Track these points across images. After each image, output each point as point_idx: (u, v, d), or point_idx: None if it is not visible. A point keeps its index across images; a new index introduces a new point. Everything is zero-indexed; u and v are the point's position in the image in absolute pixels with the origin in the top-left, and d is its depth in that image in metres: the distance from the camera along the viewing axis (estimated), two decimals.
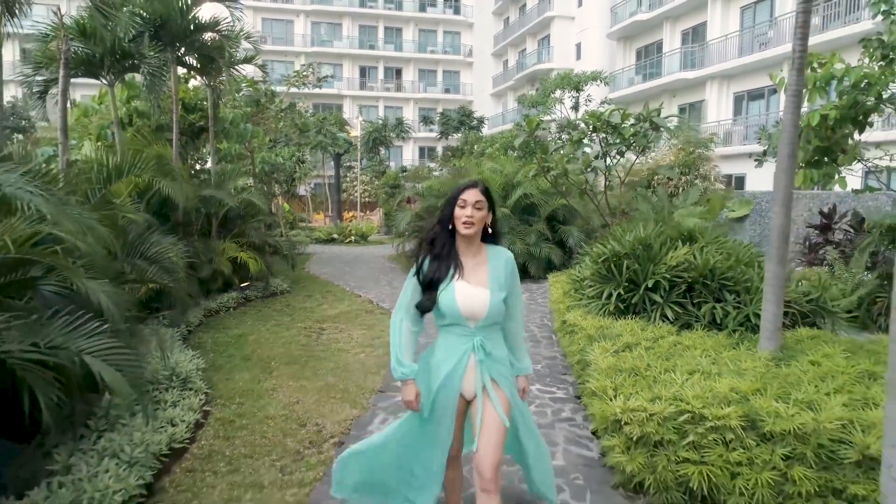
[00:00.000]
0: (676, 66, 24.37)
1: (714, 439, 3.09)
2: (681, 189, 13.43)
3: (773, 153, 9.65)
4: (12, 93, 33.92)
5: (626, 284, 5.14)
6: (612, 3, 29.39)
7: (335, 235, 20.76)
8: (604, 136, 6.97)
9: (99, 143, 9.05)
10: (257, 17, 41.25)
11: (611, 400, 3.38)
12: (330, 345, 6.67)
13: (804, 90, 6.90)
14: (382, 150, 30.51)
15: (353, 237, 20.57)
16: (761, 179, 17.98)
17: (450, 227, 2.45)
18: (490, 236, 2.52)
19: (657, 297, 4.95)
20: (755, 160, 10.25)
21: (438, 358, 2.49)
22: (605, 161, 7.15)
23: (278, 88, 16.66)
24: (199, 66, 9.02)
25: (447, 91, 44.74)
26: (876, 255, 7.46)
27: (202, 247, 8.00)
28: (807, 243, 8.80)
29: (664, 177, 12.49)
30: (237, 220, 9.26)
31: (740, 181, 20.62)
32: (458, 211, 2.40)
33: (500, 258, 2.50)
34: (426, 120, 37.28)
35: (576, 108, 17.73)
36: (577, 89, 17.45)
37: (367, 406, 4.72)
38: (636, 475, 3.23)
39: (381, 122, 31.21)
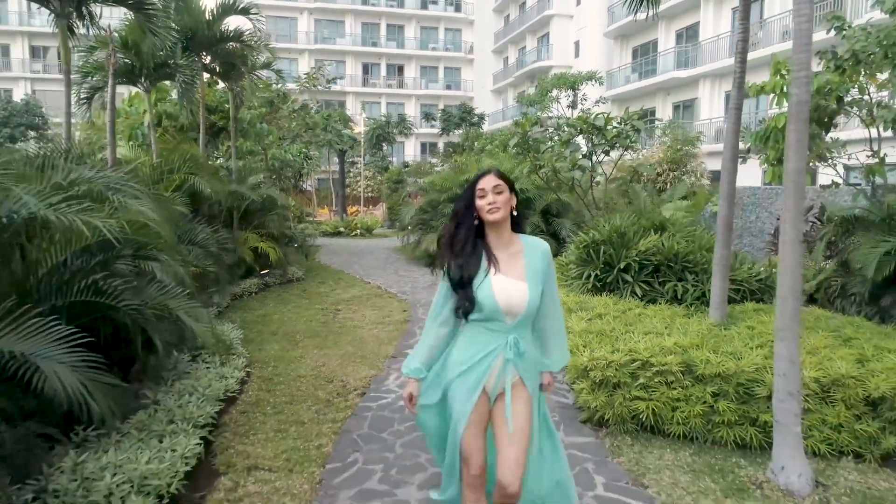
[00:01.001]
0: (671, 65, 25.14)
1: (659, 381, 3.96)
2: (669, 185, 14.27)
3: (754, 150, 10.48)
4: (24, 90, 34.72)
5: (603, 266, 6.01)
6: (609, 3, 30.09)
7: (341, 229, 21.63)
8: (589, 137, 7.81)
9: (131, 143, 9.89)
10: (261, 15, 41.97)
11: (581, 354, 4.25)
12: (346, 322, 7.55)
13: (774, 94, 7.79)
14: (385, 147, 31.32)
15: (358, 230, 21.43)
16: (750, 175, 18.79)
17: (475, 220, 2.30)
18: (519, 224, 2.38)
19: (628, 277, 5.82)
20: (740, 157, 11.07)
21: (463, 351, 2.32)
22: (591, 159, 7.99)
23: (289, 85, 17.50)
24: (222, 71, 9.86)
25: (448, 87, 45.44)
26: (833, 245, 8.29)
27: (227, 237, 8.86)
28: (776, 234, 9.64)
29: (644, 174, 13.32)
30: (257, 212, 10.11)
31: None
32: (479, 202, 2.27)
33: (537, 250, 2.34)
34: (428, 116, 38.05)
35: (572, 106, 18.55)
36: (573, 88, 18.26)
37: (383, 367, 5.60)
38: (599, 410, 4.10)
39: (383, 119, 32.00)
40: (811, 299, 8.58)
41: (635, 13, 6.07)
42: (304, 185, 24.88)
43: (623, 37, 29.36)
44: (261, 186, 10.98)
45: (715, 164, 21.56)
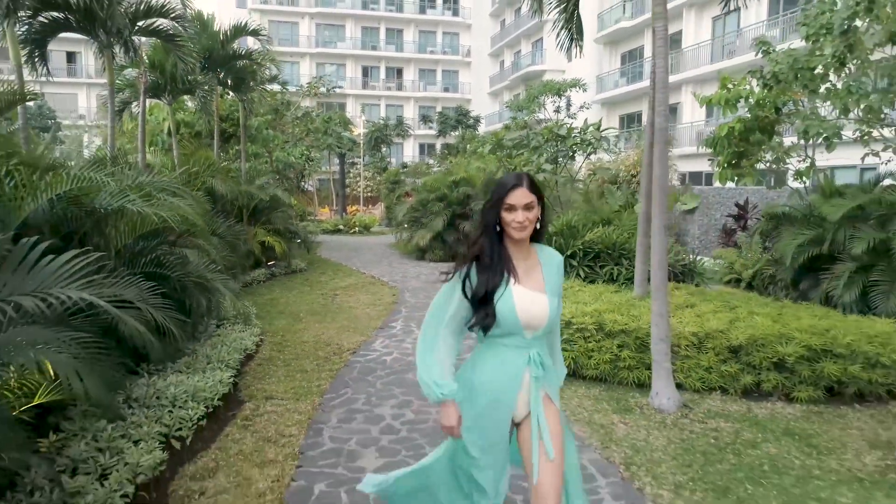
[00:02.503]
0: None
1: (578, 336, 5.18)
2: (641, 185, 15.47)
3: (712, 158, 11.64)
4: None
5: None
6: (599, 10, 31.30)
7: (341, 226, 22.88)
8: (555, 144, 9.04)
9: (152, 148, 11.13)
10: (264, 19, 43.10)
11: None
12: (342, 304, 8.78)
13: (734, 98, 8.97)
14: (384, 148, 32.57)
15: (357, 228, 22.68)
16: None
17: (496, 230, 2.16)
18: (537, 232, 2.21)
19: (574, 262, 7.05)
20: (708, 160, 12.31)
21: (486, 375, 2.18)
22: (557, 164, 9.22)
23: (291, 89, 18.72)
24: (233, 84, 11.10)
25: (446, 90, 46.65)
26: (767, 238, 9.51)
27: (240, 230, 10.09)
28: (724, 229, 10.86)
29: (619, 175, 14.54)
30: (264, 210, 11.35)
31: (709, 177, 22.64)
32: (506, 216, 2.10)
33: (553, 261, 2.24)
34: (425, 119, 39.25)
35: (559, 110, 19.73)
36: (560, 94, 19.43)
37: (371, 335, 6.84)
38: None
39: (382, 122, 33.24)
40: (749, 286, 9.83)
41: (568, 53, 7.26)
42: (306, 186, 26.14)
43: (612, 43, 30.58)
44: (265, 187, 12.22)
45: (698, 166, 22.78)
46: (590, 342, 5.15)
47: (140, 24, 6.97)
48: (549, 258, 2.25)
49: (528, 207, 2.09)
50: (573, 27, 6.60)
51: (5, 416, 2.54)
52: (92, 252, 3.01)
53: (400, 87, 46.09)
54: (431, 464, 2.41)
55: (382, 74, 45.70)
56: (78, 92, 40.15)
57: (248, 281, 10.21)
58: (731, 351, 4.91)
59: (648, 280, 6.44)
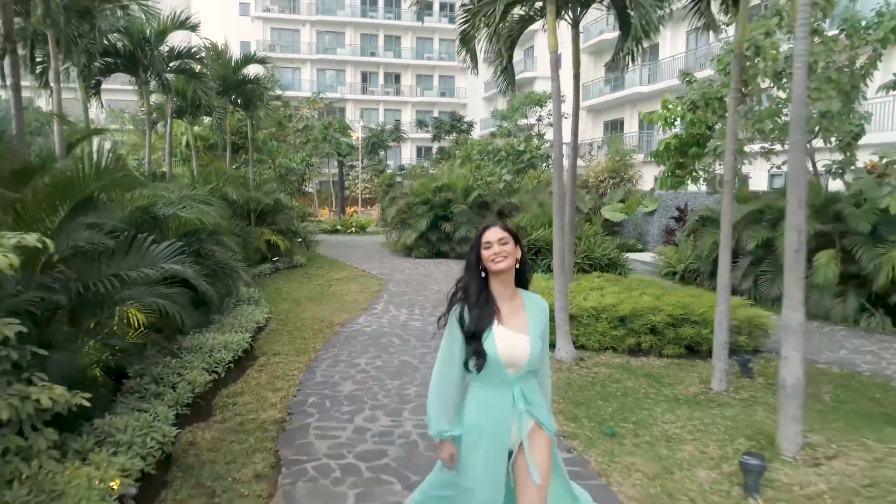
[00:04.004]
0: (636, 81, 28.03)
1: None
2: (608, 190, 17.20)
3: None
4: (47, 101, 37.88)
5: None
6: (584, 21, 32.83)
7: (339, 227, 24.62)
8: (513, 158, 10.76)
9: (174, 159, 12.84)
10: (266, 27, 44.92)
11: None
12: (335, 292, 10.51)
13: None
14: (381, 152, 34.30)
15: (353, 228, 24.41)
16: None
17: (481, 272, 2.34)
18: (522, 277, 2.41)
19: None
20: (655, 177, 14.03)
21: (476, 414, 2.35)
22: (517, 175, 10.94)
23: (292, 94, 20.44)
24: (243, 104, 12.83)
25: (443, 95, 48.34)
26: (694, 237, 11.21)
27: (251, 230, 11.82)
28: (667, 229, 12.57)
29: (589, 181, 16.25)
30: (270, 212, 13.08)
31: None
32: (484, 253, 2.30)
33: (537, 306, 2.40)
34: (420, 124, 40.90)
35: (540, 119, 21.44)
36: (540, 105, 21.16)
37: (358, 313, 8.57)
38: None
39: (378, 128, 34.97)
40: (682, 278, 11.53)
41: (505, 95, 8.96)
42: (307, 188, 27.87)
43: (595, 53, 32.25)
44: (270, 192, 13.94)
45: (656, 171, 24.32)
46: None
47: (171, 64, 8.68)
48: (534, 303, 2.40)
49: (502, 242, 2.29)
50: (509, 78, 8.31)
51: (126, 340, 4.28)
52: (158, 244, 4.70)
53: (398, 93, 47.76)
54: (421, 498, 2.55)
55: (381, 80, 47.34)
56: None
57: (255, 274, 11.91)
58: (620, 320, 6.61)
59: (585, 271, 8.17)
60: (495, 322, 2.29)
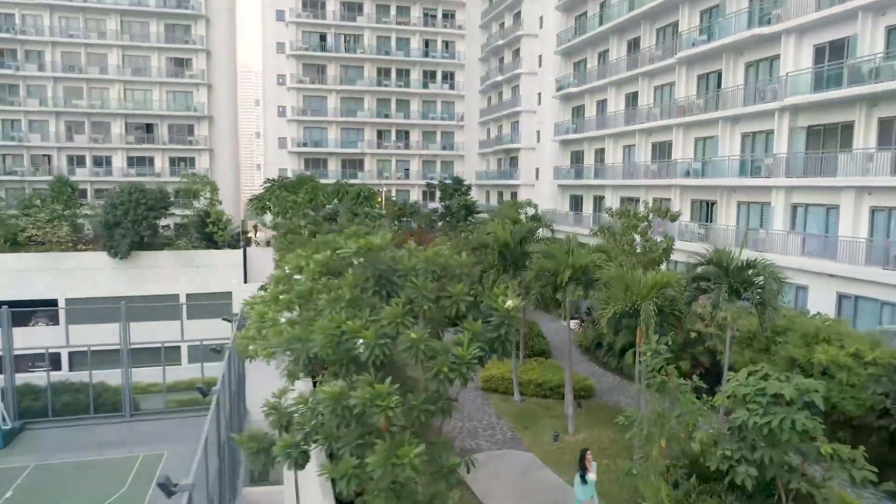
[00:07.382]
0: (594, 77, 36.73)
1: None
2: None
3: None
4: (121, 159, 47.72)
5: None
6: (557, 75, 41.48)
7: None
8: None
9: None
10: (300, 96, 54.87)
11: None
12: None
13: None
14: (401, 220, 44.80)
15: None
16: None
17: None
18: None
19: None
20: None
21: None
22: None
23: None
24: None
25: (444, 148, 58.54)
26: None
27: None
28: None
29: None
30: None
31: None
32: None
33: None
34: (426, 195, 51.26)
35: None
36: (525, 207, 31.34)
37: None
38: None
39: (397, 204, 45.56)
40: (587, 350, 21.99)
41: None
42: None
43: (566, 98, 40.26)
44: None
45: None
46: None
47: None
48: None
49: None
50: None
51: None
52: None
53: (407, 147, 57.94)
54: None
55: (393, 137, 57.50)
56: (154, 155, 51.82)
57: None
58: (538, 385, 17.04)
59: (521, 355, 18.62)
60: None
